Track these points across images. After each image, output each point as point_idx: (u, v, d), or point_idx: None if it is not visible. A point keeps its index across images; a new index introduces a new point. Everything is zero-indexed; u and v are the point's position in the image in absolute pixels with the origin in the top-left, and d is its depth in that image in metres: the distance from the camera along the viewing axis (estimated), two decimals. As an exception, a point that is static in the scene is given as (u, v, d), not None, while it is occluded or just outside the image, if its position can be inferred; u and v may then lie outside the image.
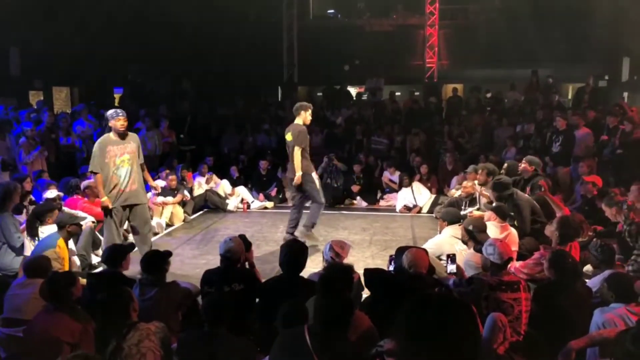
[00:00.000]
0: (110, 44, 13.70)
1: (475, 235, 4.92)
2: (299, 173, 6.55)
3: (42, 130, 8.97)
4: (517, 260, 4.93)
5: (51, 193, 6.51)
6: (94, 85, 14.35)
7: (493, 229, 5.31)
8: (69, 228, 5.34)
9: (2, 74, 12.27)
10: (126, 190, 5.74)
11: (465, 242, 5.23)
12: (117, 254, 4.44)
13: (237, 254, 4.24)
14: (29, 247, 5.42)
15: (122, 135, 5.77)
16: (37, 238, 5.50)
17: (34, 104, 11.86)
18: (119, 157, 5.71)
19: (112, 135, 5.75)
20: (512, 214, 5.71)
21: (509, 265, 4.08)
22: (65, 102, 14.79)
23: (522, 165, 6.95)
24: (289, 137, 6.73)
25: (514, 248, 5.17)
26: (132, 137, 5.93)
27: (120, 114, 5.71)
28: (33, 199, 6.78)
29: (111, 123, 5.72)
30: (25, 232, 5.59)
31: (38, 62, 12.72)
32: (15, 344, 3.85)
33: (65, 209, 6.27)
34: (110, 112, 5.79)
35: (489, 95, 14.34)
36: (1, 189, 5.58)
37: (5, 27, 11.59)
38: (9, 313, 4.05)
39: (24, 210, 6.34)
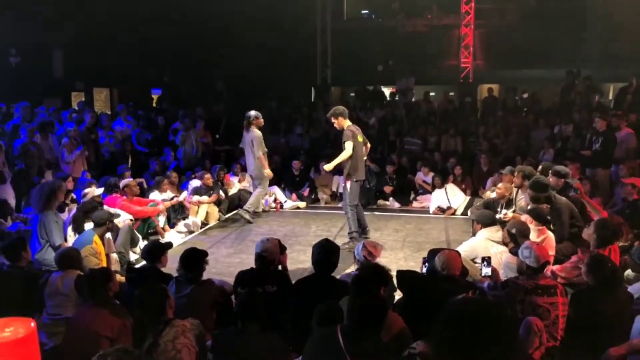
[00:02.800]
0: (147, 46, 14.05)
1: (517, 239, 4.83)
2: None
3: (82, 131, 9.25)
4: (554, 265, 4.82)
5: (90, 190, 6.74)
6: (132, 86, 14.70)
7: (530, 232, 5.20)
8: (108, 224, 5.53)
9: (46, 76, 12.74)
10: None
11: (506, 244, 5.14)
12: (156, 251, 4.54)
13: (273, 254, 4.27)
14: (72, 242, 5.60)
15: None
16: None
17: (76, 105, 12.25)
18: None
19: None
20: (549, 217, 5.57)
21: (545, 269, 4.00)
22: (105, 103, 15.19)
23: (550, 179, 6.13)
24: (360, 138, 6.97)
25: (551, 252, 5.05)
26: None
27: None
28: (74, 197, 7.00)
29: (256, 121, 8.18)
30: (71, 228, 5.79)
31: (80, 65, 13.13)
32: (59, 328, 3.95)
33: (105, 207, 6.47)
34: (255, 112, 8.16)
35: (525, 95, 14.03)
36: (47, 188, 5.77)
37: (49, 31, 12.02)
38: (53, 309, 4.18)
39: (66, 208, 6.57)
